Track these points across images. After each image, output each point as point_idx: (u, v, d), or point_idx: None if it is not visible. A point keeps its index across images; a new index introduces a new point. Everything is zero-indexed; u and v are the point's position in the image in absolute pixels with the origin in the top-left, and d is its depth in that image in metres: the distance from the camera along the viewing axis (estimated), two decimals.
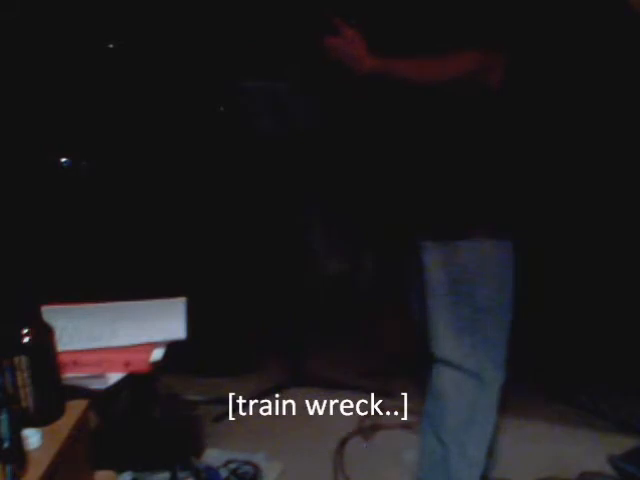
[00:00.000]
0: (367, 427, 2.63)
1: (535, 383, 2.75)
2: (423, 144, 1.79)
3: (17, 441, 1.16)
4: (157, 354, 1.64)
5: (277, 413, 2.75)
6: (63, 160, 2.77)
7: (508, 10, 1.69)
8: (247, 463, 2.36)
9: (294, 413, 2.74)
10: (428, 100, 1.74)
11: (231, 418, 2.70)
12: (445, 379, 1.89)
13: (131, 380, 1.58)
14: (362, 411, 2.71)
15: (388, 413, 2.69)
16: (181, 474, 2.12)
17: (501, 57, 1.72)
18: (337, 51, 1.76)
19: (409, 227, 1.87)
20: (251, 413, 2.74)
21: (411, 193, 1.84)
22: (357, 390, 2.84)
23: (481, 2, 1.69)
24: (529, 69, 1.83)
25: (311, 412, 2.74)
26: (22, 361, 1.28)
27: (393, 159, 1.86)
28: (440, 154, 1.78)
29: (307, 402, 2.81)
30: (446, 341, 1.86)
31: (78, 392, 1.45)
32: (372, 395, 2.79)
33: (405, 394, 2.75)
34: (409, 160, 1.82)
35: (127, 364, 1.58)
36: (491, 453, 1.98)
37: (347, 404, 2.75)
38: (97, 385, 1.52)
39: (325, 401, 2.80)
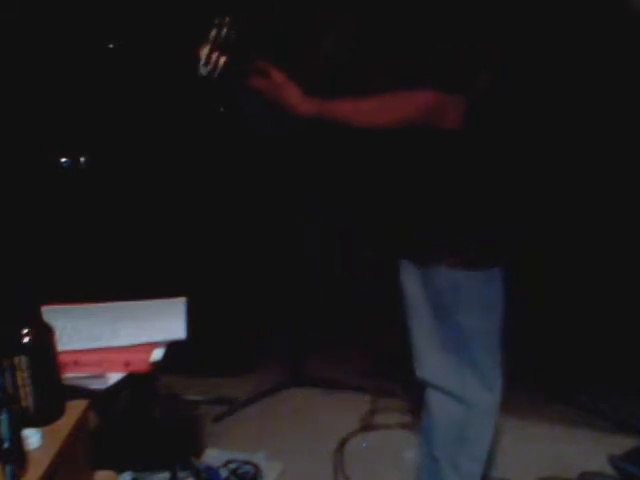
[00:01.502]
0: (367, 427, 2.63)
1: (535, 383, 2.75)
2: (394, 170, 1.73)
3: (17, 441, 1.16)
4: (157, 354, 1.64)
5: (277, 413, 2.75)
6: (63, 160, 2.77)
7: (472, 48, 1.56)
8: (247, 463, 2.36)
9: (294, 413, 2.75)
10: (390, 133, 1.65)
11: (231, 418, 2.70)
12: (432, 400, 1.85)
13: (131, 380, 1.58)
14: (362, 411, 2.71)
15: (388, 413, 2.69)
16: (181, 474, 2.12)
17: (459, 99, 1.58)
18: (267, 93, 1.70)
19: (391, 247, 1.83)
20: (251, 413, 2.74)
21: (388, 214, 1.79)
22: (357, 390, 2.84)
23: (441, 39, 1.56)
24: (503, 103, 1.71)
25: (311, 412, 2.75)
26: (22, 361, 1.28)
27: (372, 176, 1.83)
28: (409, 181, 1.71)
29: (307, 402, 2.81)
30: (428, 363, 1.82)
31: (78, 392, 1.45)
32: (372, 395, 2.79)
33: (405, 394, 2.75)
34: (384, 181, 1.77)
35: (127, 364, 1.58)
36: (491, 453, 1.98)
37: (347, 404, 2.75)
38: (97, 385, 1.52)
39: (325, 401, 2.80)
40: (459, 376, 1.78)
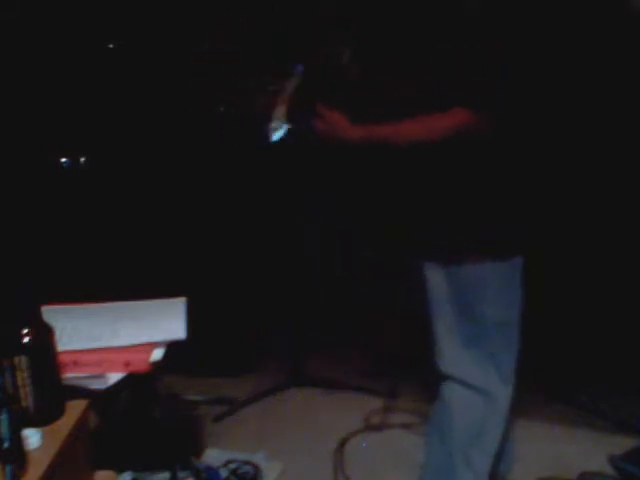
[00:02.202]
0: (367, 427, 2.63)
1: (535, 383, 2.75)
2: (419, 169, 1.78)
3: (17, 441, 1.16)
4: (157, 354, 1.64)
5: (277, 413, 2.75)
6: (63, 160, 2.77)
7: (498, 71, 1.64)
8: (247, 463, 2.36)
9: (294, 413, 2.75)
10: None
11: (231, 418, 2.70)
12: (453, 395, 1.88)
13: (131, 380, 1.58)
14: (362, 411, 2.71)
15: (388, 413, 2.69)
16: (181, 474, 2.12)
17: (488, 116, 1.67)
18: (325, 134, 1.81)
19: (410, 248, 1.87)
20: (251, 413, 2.74)
21: (409, 217, 1.84)
22: (357, 390, 2.84)
23: (471, 62, 1.64)
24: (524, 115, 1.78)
25: (311, 412, 2.75)
26: (22, 361, 1.28)
27: (390, 177, 1.86)
28: (434, 179, 1.77)
29: (307, 402, 2.81)
30: (451, 357, 1.86)
31: (78, 392, 1.45)
32: (372, 395, 2.79)
33: (405, 394, 2.75)
34: (405, 182, 1.82)
35: (127, 364, 1.58)
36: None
37: (347, 404, 2.75)
38: (97, 385, 1.52)
39: (325, 401, 2.80)
40: (483, 370, 1.83)
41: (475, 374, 1.83)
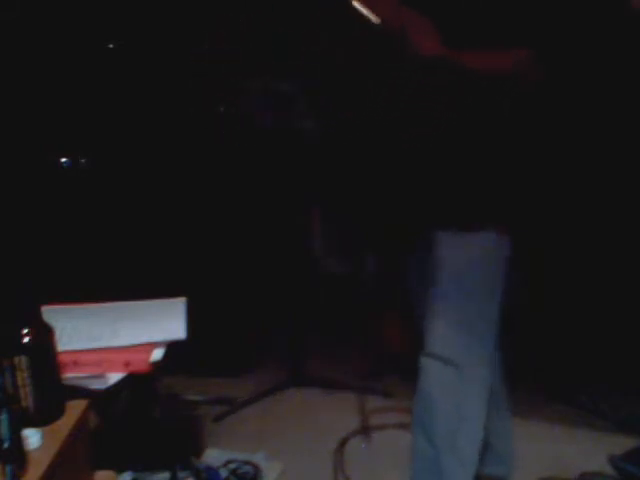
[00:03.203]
0: (367, 427, 2.63)
1: (535, 383, 2.75)
2: (438, 143, 1.80)
3: (17, 441, 1.16)
4: (157, 354, 1.64)
5: (277, 413, 2.75)
6: (63, 160, 2.77)
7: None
8: (247, 463, 2.36)
9: (294, 413, 2.75)
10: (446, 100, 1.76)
11: (231, 418, 2.70)
12: (431, 378, 1.88)
13: (131, 380, 1.58)
14: (362, 411, 2.70)
15: (388, 413, 2.69)
16: (181, 474, 2.12)
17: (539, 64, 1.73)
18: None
19: (419, 220, 1.87)
20: (251, 413, 2.74)
21: (423, 185, 1.84)
22: (357, 390, 2.83)
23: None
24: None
25: (311, 412, 2.75)
26: (22, 361, 1.28)
27: (404, 156, 1.86)
28: (452, 150, 1.79)
29: (307, 402, 2.81)
30: (442, 336, 1.85)
31: (78, 392, 1.45)
32: (372, 395, 2.79)
33: (405, 394, 2.75)
34: (420, 155, 1.83)
35: (127, 364, 1.58)
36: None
37: (347, 404, 2.75)
38: (97, 385, 1.52)
39: (325, 401, 2.80)
40: (468, 350, 1.83)
41: (460, 353, 1.84)
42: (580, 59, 2.34)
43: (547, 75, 1.75)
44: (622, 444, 2.40)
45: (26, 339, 1.29)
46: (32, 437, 1.24)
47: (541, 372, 2.80)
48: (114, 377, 1.55)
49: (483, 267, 1.81)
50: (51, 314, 1.36)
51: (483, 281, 1.82)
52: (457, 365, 1.83)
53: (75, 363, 1.54)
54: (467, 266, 1.82)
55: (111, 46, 2.82)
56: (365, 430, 2.61)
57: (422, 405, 1.91)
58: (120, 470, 1.84)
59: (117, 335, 1.69)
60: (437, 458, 1.87)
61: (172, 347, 1.67)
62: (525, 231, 1.86)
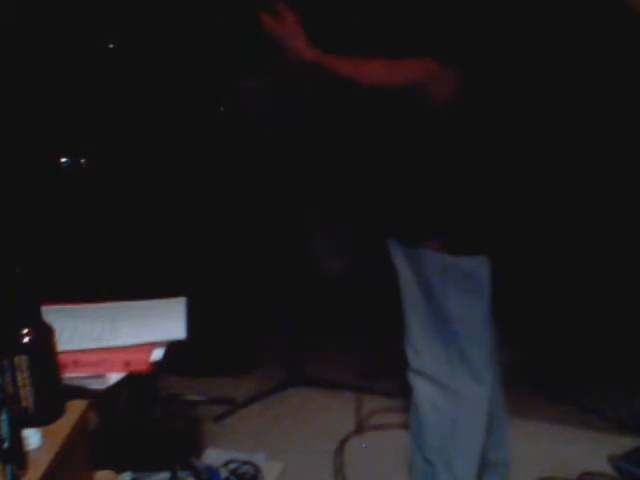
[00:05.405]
0: (367, 427, 2.63)
1: (535, 383, 2.75)
2: (383, 153, 1.77)
3: (17, 441, 1.16)
4: (157, 354, 1.63)
5: (277, 413, 2.75)
6: (63, 160, 2.77)
7: (470, 24, 1.60)
8: (247, 463, 2.36)
9: (294, 413, 2.75)
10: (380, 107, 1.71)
11: (231, 418, 2.70)
12: (420, 393, 1.85)
13: (131, 380, 1.57)
14: (362, 411, 2.71)
15: (388, 413, 2.69)
16: (181, 474, 2.12)
17: (453, 72, 1.62)
18: (276, 34, 1.69)
19: (379, 230, 1.84)
20: (251, 413, 2.74)
21: (379, 197, 1.82)
22: (357, 390, 2.84)
23: (441, 13, 1.61)
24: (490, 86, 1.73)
25: (311, 412, 2.75)
26: (22, 361, 1.28)
27: (364, 164, 1.85)
28: (401, 162, 1.74)
29: (307, 402, 2.81)
30: (420, 350, 1.81)
31: (78, 392, 1.45)
32: (372, 395, 2.79)
33: (404, 394, 2.75)
34: (374, 166, 1.81)
35: (127, 364, 1.58)
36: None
37: (347, 404, 2.75)
38: (97, 385, 1.52)
39: (325, 401, 2.80)
40: (449, 365, 1.77)
41: (442, 369, 1.78)
42: (577, 56, 2.32)
43: (464, 84, 1.63)
44: (622, 444, 2.40)
45: (26, 339, 1.29)
46: (32, 437, 1.24)
47: (541, 372, 2.80)
48: (114, 377, 1.55)
49: (440, 284, 1.73)
50: (51, 314, 1.36)
51: (444, 298, 1.73)
52: (444, 384, 1.79)
53: (75, 363, 1.53)
54: (423, 283, 1.75)
55: (111, 46, 2.82)
56: (365, 430, 2.61)
57: (416, 421, 1.89)
58: (120, 470, 1.83)
59: (117, 335, 1.69)
60: (433, 474, 1.85)
61: (172, 347, 1.67)
62: (496, 251, 1.78)
